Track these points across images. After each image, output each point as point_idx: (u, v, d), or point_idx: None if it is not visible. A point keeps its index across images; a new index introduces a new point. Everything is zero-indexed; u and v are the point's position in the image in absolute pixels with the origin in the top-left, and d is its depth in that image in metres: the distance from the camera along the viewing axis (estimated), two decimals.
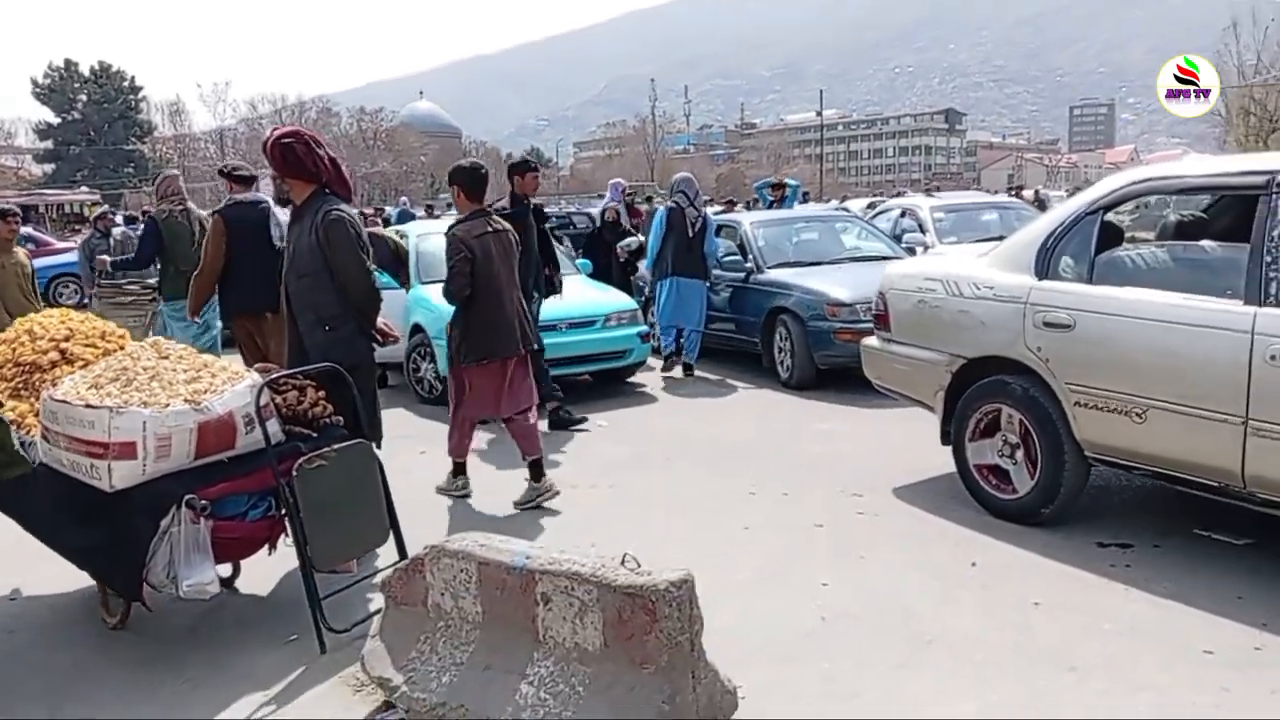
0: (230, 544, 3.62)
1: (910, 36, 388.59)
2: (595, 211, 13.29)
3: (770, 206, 13.45)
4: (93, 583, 3.96)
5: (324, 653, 3.53)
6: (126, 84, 65.92)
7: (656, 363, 9.07)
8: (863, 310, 7.51)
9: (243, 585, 4.22)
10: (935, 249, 10.89)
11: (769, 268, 8.88)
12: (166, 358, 3.69)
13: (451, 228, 5.27)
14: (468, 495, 5.44)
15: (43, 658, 3.73)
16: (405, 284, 8.02)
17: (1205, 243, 4.44)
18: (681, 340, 8.93)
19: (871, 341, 5.60)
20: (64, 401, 3.42)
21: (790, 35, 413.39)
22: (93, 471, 3.35)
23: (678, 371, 8.92)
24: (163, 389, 3.47)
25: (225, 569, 4.04)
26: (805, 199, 18.98)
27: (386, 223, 15.55)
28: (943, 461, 5.16)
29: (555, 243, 7.91)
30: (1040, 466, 4.48)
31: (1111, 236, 4.55)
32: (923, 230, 11.52)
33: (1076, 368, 4.28)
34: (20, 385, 3.83)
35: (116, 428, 3.28)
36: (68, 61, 65.17)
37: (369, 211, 16.90)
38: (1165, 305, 4.01)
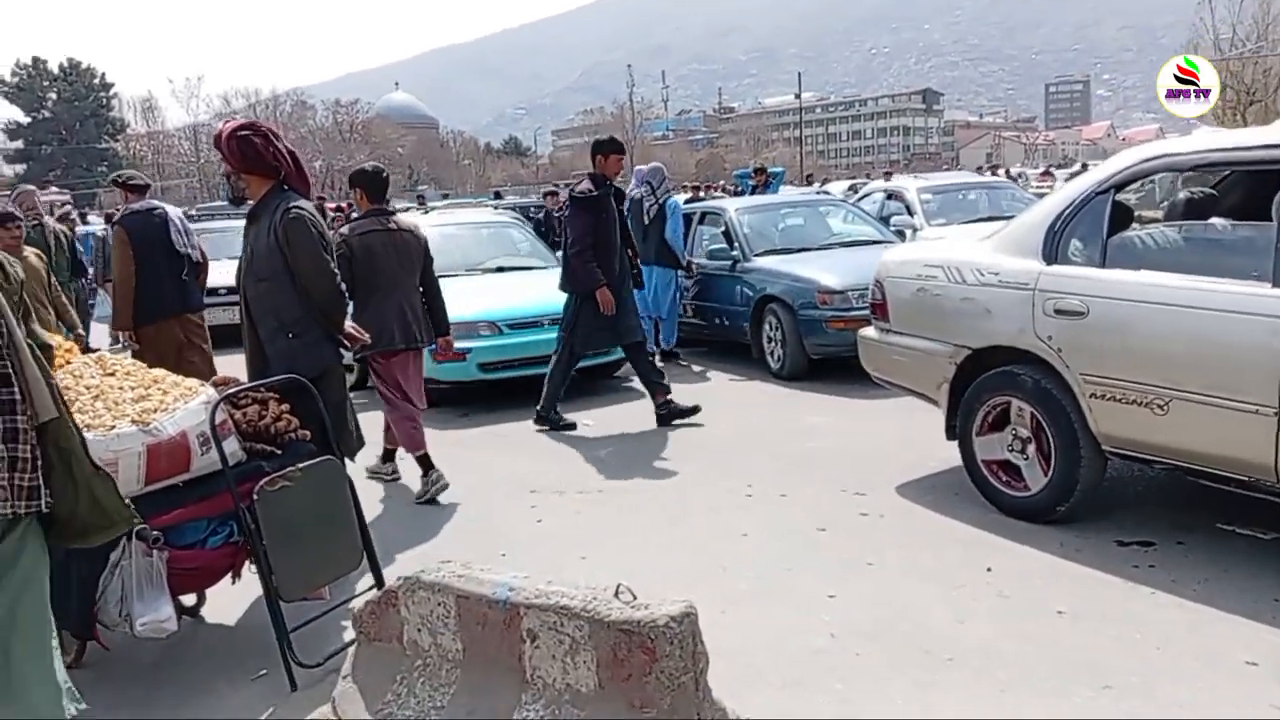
0: (189, 575, 3.34)
1: (885, 17, 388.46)
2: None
3: (753, 192, 13.20)
4: None
5: (295, 690, 3.26)
6: (97, 81, 65.14)
7: None
8: (855, 297, 7.26)
9: (210, 612, 3.93)
10: (923, 231, 10.67)
11: (755, 255, 8.59)
12: (112, 374, 3.39)
13: (341, 228, 5.60)
14: (397, 478, 5.70)
15: None
16: None
17: (1222, 222, 4.17)
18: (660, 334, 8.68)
19: (869, 332, 5.34)
20: None
21: (761, 19, 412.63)
22: None
23: (660, 362, 8.62)
24: (108, 409, 3.17)
25: (190, 597, 3.77)
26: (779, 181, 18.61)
27: None
28: (944, 455, 4.92)
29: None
30: (1054, 462, 4.22)
31: (1123, 217, 4.30)
32: (910, 212, 11.30)
33: (1091, 357, 4.03)
34: None
35: None
36: (36, 59, 64.36)
37: (331, 206, 16.15)
38: (1186, 290, 3.75)
